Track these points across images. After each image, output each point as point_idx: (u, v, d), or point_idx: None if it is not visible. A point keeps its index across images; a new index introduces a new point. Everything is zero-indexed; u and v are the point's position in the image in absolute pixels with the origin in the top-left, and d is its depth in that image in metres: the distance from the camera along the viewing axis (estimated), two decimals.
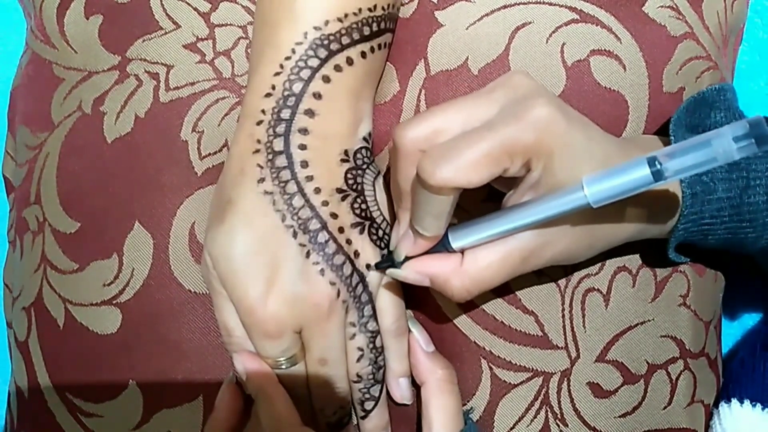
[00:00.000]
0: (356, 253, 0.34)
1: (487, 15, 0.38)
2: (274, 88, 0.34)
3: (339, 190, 0.34)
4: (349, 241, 0.34)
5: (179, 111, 0.38)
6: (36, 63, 0.41)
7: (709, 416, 0.40)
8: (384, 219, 0.36)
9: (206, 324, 0.37)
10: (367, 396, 0.36)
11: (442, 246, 0.32)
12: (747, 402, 0.39)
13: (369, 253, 0.35)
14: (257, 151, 0.34)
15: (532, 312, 0.37)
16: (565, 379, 0.37)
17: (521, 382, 0.37)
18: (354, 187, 0.35)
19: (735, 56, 0.45)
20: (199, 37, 0.39)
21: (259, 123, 0.34)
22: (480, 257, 0.32)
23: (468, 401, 0.37)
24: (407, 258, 0.33)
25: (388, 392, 0.37)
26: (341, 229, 0.34)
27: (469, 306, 0.37)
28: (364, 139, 0.36)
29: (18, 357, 0.40)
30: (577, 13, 0.37)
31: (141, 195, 0.38)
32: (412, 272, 0.33)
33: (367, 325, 0.35)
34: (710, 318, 0.40)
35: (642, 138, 0.36)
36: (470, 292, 0.32)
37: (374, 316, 0.35)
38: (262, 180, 0.33)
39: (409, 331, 0.37)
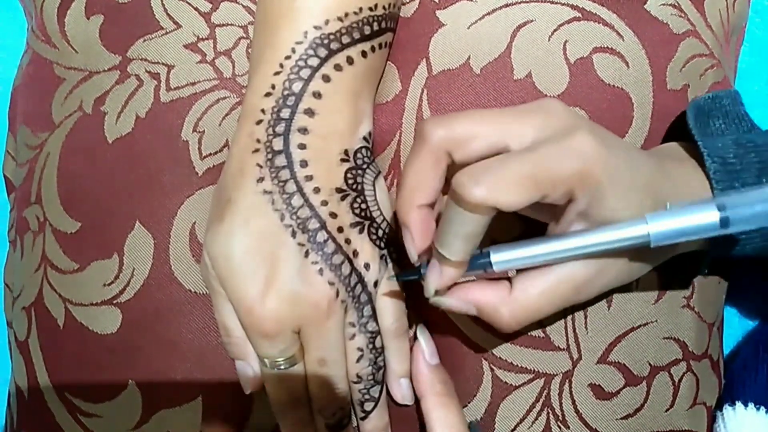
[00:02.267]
0: (355, 253, 0.34)
1: (488, 14, 0.38)
2: (273, 87, 0.34)
3: (338, 190, 0.34)
4: (348, 241, 0.34)
5: (180, 111, 0.38)
6: (37, 63, 0.41)
7: (712, 418, 0.40)
8: (384, 219, 0.36)
9: (206, 324, 0.37)
10: (366, 397, 0.36)
11: (481, 269, 0.31)
12: (751, 405, 0.39)
13: (368, 253, 0.34)
14: (257, 150, 0.34)
15: None
16: (567, 380, 0.37)
17: (523, 384, 0.37)
18: (354, 186, 0.35)
19: (737, 55, 0.45)
20: (200, 37, 0.39)
21: (259, 122, 0.34)
22: (530, 286, 0.31)
23: (469, 402, 0.37)
24: (437, 291, 0.32)
25: (388, 393, 0.37)
26: (340, 229, 0.34)
27: None
28: (364, 138, 0.36)
29: (18, 357, 0.40)
30: (578, 11, 0.37)
31: (142, 195, 0.38)
32: (458, 301, 0.32)
33: (366, 326, 0.35)
34: (713, 320, 0.40)
35: (667, 148, 0.35)
36: (520, 322, 0.32)
37: (374, 316, 0.35)
38: (261, 179, 0.33)
39: (416, 338, 0.37)
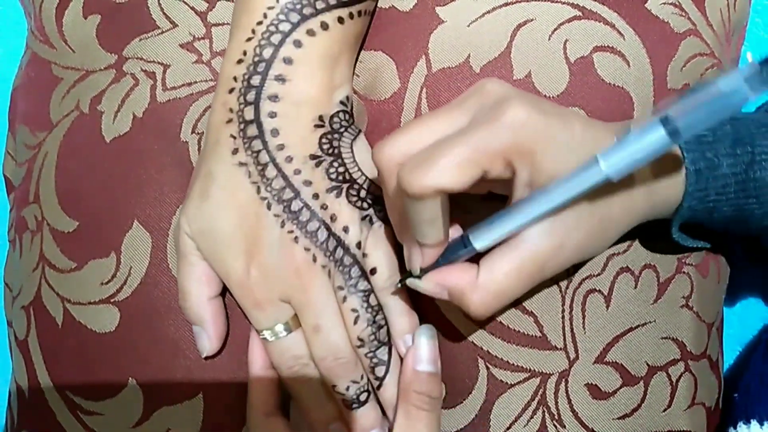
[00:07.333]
0: (333, 217, 0.34)
1: (488, 12, 0.37)
2: (245, 53, 0.34)
3: (312, 156, 0.34)
4: (324, 207, 0.34)
5: (178, 111, 0.38)
6: (36, 63, 0.41)
7: (710, 419, 0.40)
8: (366, 179, 0.35)
9: None
10: (375, 360, 0.35)
11: (466, 251, 0.31)
12: (767, 424, 0.39)
13: (346, 215, 0.34)
14: (230, 120, 0.34)
15: (531, 313, 0.37)
16: (563, 380, 0.37)
17: (518, 382, 0.37)
18: (329, 151, 0.34)
19: (738, 54, 0.45)
20: (196, 36, 0.39)
21: (231, 90, 0.34)
22: (495, 268, 0.31)
23: (464, 400, 0.37)
24: (425, 271, 0.32)
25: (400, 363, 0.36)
26: (316, 196, 0.34)
27: None
28: (342, 102, 0.35)
29: (18, 356, 0.40)
30: (579, 9, 0.37)
31: (139, 194, 0.38)
32: (431, 284, 0.32)
33: (357, 285, 0.34)
34: (712, 320, 0.40)
35: (628, 122, 0.35)
36: (488, 307, 0.31)
37: (364, 275, 0.35)
38: (236, 151, 0.33)
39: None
